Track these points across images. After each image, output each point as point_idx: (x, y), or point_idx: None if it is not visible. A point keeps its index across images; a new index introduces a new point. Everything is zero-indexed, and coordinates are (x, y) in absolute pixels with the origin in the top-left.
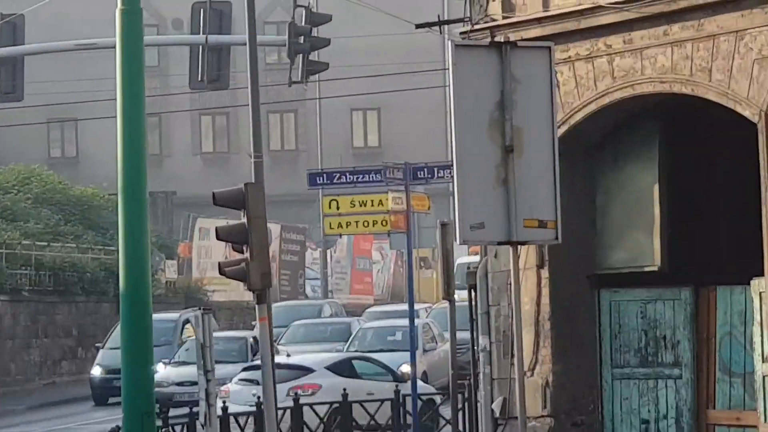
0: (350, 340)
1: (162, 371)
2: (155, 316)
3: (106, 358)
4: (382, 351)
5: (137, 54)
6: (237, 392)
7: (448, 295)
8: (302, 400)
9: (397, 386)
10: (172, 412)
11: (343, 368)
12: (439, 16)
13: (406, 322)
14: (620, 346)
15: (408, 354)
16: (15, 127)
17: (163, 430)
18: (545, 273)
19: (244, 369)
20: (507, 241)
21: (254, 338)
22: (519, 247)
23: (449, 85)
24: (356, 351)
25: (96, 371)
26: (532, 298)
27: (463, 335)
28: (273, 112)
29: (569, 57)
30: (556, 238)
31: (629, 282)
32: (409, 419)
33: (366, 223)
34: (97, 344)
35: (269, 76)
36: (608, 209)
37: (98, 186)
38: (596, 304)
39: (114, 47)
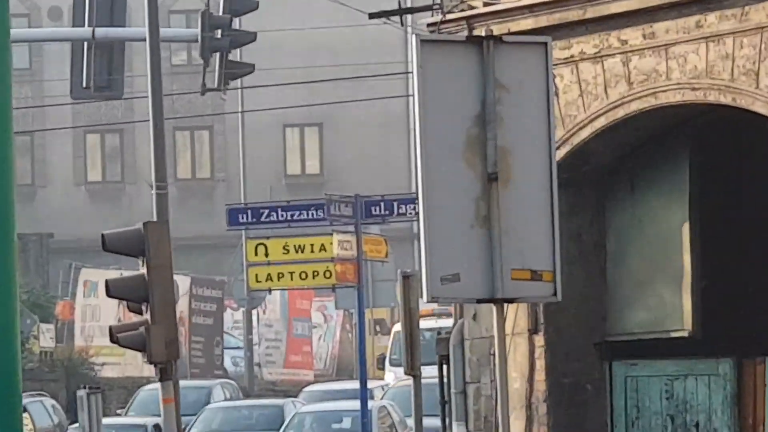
0: (283, 428)
1: None
2: None
3: None
4: None
5: (2, 53)
6: None
7: (412, 370)
8: None
9: None
10: None
11: None
12: (399, 3)
13: (355, 404)
14: None
15: None
16: None
17: None
18: (540, 340)
19: None
20: (490, 299)
21: (156, 426)
22: (506, 306)
23: (413, 94)
24: None
25: None
26: (523, 374)
27: (432, 422)
28: (181, 130)
29: (572, 56)
30: (555, 295)
31: (651, 352)
32: None
33: (304, 275)
34: None
35: (176, 82)
36: (623, 256)
37: None
38: (608, 380)
39: None
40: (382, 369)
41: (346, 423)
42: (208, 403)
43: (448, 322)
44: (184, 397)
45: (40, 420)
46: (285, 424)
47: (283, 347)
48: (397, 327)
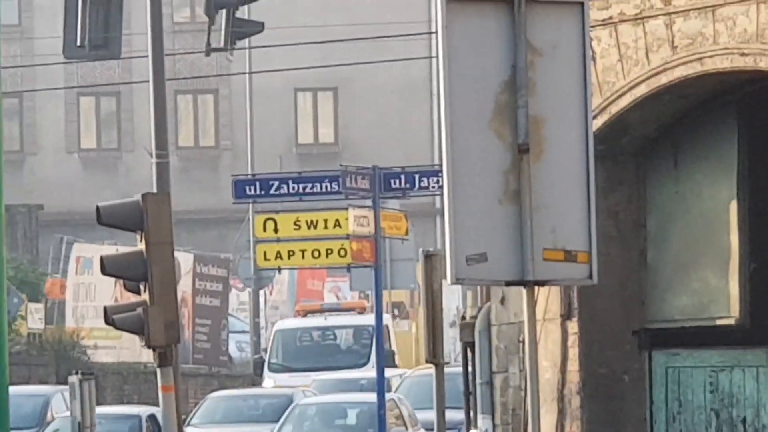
0: (282, 421)
1: None
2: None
3: None
4: None
5: None
6: None
7: (435, 358)
8: None
9: None
10: None
11: None
12: None
13: (362, 396)
14: (681, 431)
15: None
16: None
17: None
18: (574, 327)
19: None
20: (519, 281)
21: (151, 416)
22: (537, 289)
23: (437, 56)
24: None
25: None
26: (555, 363)
27: (454, 415)
28: (183, 93)
29: (611, 18)
30: (590, 277)
31: (694, 341)
32: None
33: (316, 253)
34: None
35: (178, 41)
36: (665, 236)
37: None
38: (647, 371)
39: None
40: (260, 375)
41: (352, 418)
42: (43, 412)
43: (338, 320)
44: (20, 407)
45: None
46: (284, 417)
47: None
48: (279, 326)
